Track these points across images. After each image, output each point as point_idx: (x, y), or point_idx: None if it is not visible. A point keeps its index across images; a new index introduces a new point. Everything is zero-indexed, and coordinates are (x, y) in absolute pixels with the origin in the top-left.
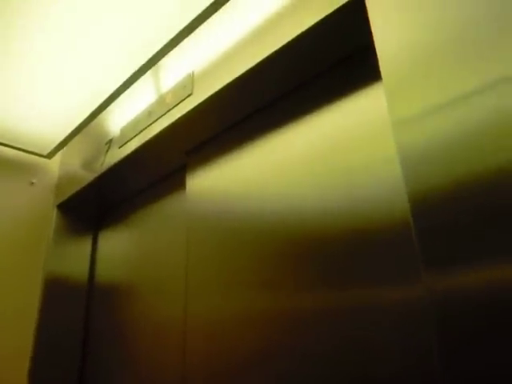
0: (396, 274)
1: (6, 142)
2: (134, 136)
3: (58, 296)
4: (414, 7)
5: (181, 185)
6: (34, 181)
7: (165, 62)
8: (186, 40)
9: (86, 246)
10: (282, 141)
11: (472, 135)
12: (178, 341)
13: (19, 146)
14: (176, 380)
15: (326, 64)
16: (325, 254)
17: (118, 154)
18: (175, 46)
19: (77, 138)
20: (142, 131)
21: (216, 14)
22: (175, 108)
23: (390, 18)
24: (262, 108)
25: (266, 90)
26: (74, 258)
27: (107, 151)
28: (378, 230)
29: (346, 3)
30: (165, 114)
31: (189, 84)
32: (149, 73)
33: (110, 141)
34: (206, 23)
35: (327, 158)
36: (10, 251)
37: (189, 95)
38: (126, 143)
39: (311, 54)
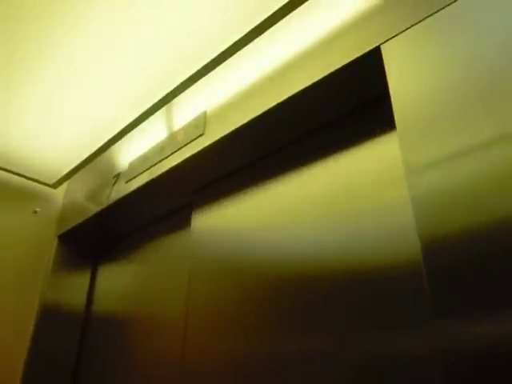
0: (403, 322)
1: (14, 169)
2: (143, 172)
3: (52, 326)
4: (429, 59)
5: (185, 223)
6: (37, 209)
7: (179, 99)
8: (201, 80)
9: (84, 277)
10: (291, 185)
11: (483, 184)
12: (174, 379)
13: (26, 174)
14: None
15: (338, 112)
16: (329, 300)
17: (124, 189)
18: (190, 86)
19: (84, 170)
20: (150, 167)
21: (232, 58)
22: (186, 147)
23: (405, 69)
24: (272, 153)
25: (276, 136)
26: (72, 290)
27: (114, 185)
28: (385, 278)
29: (364, 54)
30: (175, 152)
31: (201, 124)
32: (162, 109)
33: (118, 175)
34: (222, 65)
35: (335, 205)
36: (7, 278)
37: (200, 135)
38: (133, 178)
39: (325, 102)
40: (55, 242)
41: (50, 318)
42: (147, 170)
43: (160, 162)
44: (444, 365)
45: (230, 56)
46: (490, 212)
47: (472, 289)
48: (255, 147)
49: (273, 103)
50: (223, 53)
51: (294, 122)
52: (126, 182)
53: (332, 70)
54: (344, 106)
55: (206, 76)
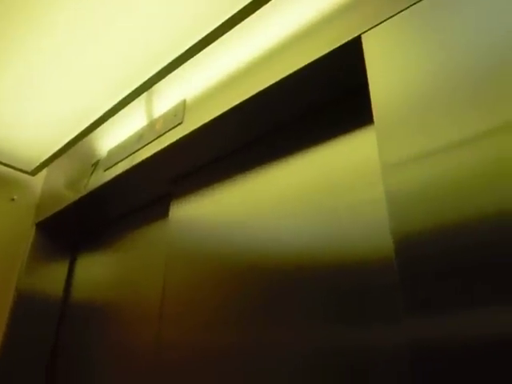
0: (376, 316)
1: None
2: (121, 160)
3: (29, 313)
4: (412, 53)
5: (163, 212)
6: (15, 197)
7: (158, 87)
8: (181, 67)
9: (62, 266)
10: (269, 176)
11: (458, 182)
12: (149, 367)
13: (3, 161)
14: None
15: (318, 102)
16: (301, 290)
17: (102, 177)
18: (169, 73)
19: (63, 157)
20: (129, 156)
21: (211, 45)
22: (165, 135)
23: (385, 60)
24: (251, 142)
25: (255, 125)
26: (49, 278)
27: (92, 173)
28: (362, 270)
29: (345, 43)
30: (154, 140)
31: (180, 112)
32: (141, 97)
33: (97, 163)
34: (202, 53)
35: (313, 196)
36: None
37: (179, 123)
38: (112, 166)
39: (305, 91)
40: (33, 229)
41: (27, 305)
42: (126, 158)
43: (139, 150)
44: (413, 360)
45: (210, 44)
46: (463, 209)
47: (443, 284)
48: (234, 137)
49: (252, 92)
50: (202, 40)
51: (273, 112)
52: (105, 171)
53: (312, 59)
54: (324, 96)
55: (186, 64)
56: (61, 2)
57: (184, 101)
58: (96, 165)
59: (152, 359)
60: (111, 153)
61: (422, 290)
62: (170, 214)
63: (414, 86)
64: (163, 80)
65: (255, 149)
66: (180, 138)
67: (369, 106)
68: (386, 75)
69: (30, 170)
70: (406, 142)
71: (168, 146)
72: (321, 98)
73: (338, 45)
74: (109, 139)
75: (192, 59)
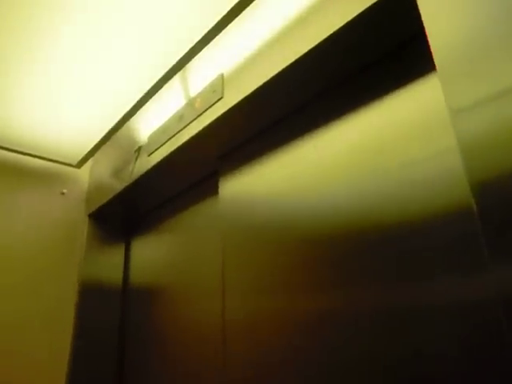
0: (458, 269)
1: (37, 153)
2: (164, 143)
3: (93, 301)
4: None
5: (213, 190)
6: (64, 191)
7: (192, 64)
8: (213, 41)
9: (119, 252)
10: (321, 141)
11: None
12: (217, 344)
13: (49, 157)
14: (215, 379)
15: (370, 57)
16: (368, 253)
17: (147, 162)
18: (203, 48)
19: (106, 147)
20: (171, 138)
21: (244, 13)
22: (205, 113)
23: (441, 5)
24: (298, 109)
25: (302, 90)
26: (108, 265)
27: (136, 159)
28: (433, 223)
29: None
30: (195, 119)
31: (219, 87)
32: (176, 77)
33: (139, 148)
34: (233, 23)
35: (373, 155)
36: (44, 260)
37: (219, 99)
38: (155, 151)
39: (354, 47)
40: (86, 220)
41: (90, 293)
42: (168, 140)
43: (180, 131)
44: (506, 309)
45: (241, 12)
46: None
47: None
48: (278, 106)
49: (295, 56)
50: (233, 9)
51: (319, 74)
52: (149, 156)
53: (360, 10)
54: (376, 49)
55: (218, 37)
56: None
57: (222, 75)
58: (139, 151)
59: (219, 335)
60: (153, 137)
61: (508, 234)
62: (220, 191)
63: (473, 28)
64: (197, 57)
65: (304, 114)
66: (222, 114)
67: (421, 56)
68: (442, 20)
69: (75, 163)
70: (472, 85)
71: (210, 123)
72: (372, 52)
73: None
74: (149, 124)
75: (224, 31)
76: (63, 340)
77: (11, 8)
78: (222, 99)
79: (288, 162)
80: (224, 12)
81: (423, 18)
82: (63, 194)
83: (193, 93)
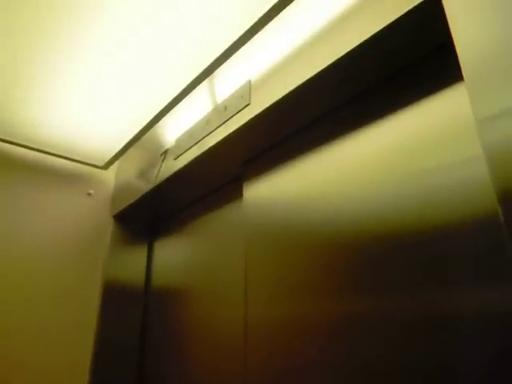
0: (478, 280)
1: (65, 155)
2: (190, 147)
3: (116, 301)
4: (495, 3)
5: (237, 194)
6: (91, 191)
7: (221, 71)
8: (242, 48)
9: (142, 253)
10: (346, 149)
11: None
12: (239, 344)
13: (77, 158)
14: (237, 383)
15: (397, 66)
16: (392, 259)
17: (173, 166)
18: (232, 54)
19: (132, 149)
20: (197, 142)
21: (273, 21)
22: (232, 118)
23: (469, 15)
24: (323, 116)
25: (328, 98)
26: (131, 266)
27: (162, 162)
28: (459, 231)
29: (422, 2)
30: (222, 124)
31: (246, 93)
32: (204, 83)
33: (166, 152)
34: (262, 31)
35: (397, 164)
36: (69, 258)
37: (247, 105)
38: (181, 154)
39: (382, 57)
40: (111, 221)
41: (114, 292)
42: (195, 144)
43: (207, 136)
44: None
45: (271, 19)
46: None
47: None
48: (304, 113)
49: (323, 64)
50: (263, 17)
51: (347, 81)
52: (175, 159)
53: (389, 21)
54: (404, 58)
55: (247, 44)
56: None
57: (249, 81)
58: (165, 154)
59: (241, 337)
60: (179, 141)
61: None
62: (244, 195)
63: (500, 38)
64: (225, 63)
65: (329, 121)
66: (249, 120)
67: (449, 65)
68: (470, 30)
69: (102, 165)
70: (498, 94)
71: (237, 129)
72: (399, 62)
73: (418, 2)
74: (176, 128)
75: (253, 39)
76: (86, 340)
77: (45, 10)
78: (249, 105)
79: (312, 168)
80: (254, 20)
81: (451, 28)
82: (89, 194)
83: (220, 98)
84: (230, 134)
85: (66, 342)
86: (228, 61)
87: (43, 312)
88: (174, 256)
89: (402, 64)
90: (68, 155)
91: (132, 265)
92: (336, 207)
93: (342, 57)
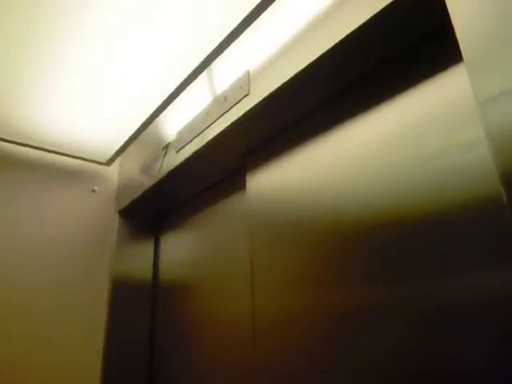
0: (487, 261)
1: (68, 152)
2: (191, 140)
3: (125, 296)
4: None
5: (240, 185)
6: (95, 188)
7: (219, 62)
8: (239, 38)
9: (148, 248)
10: (344, 135)
11: None
12: (247, 336)
13: (80, 155)
14: (245, 375)
15: (395, 49)
16: (394, 248)
17: (175, 159)
18: (229, 45)
19: (134, 144)
20: (199, 134)
21: (270, 8)
22: (232, 109)
23: None
24: (323, 104)
25: (327, 84)
26: (138, 260)
27: (164, 156)
28: (462, 215)
29: None
30: (222, 115)
31: (245, 84)
32: (203, 74)
33: (167, 145)
34: (258, 20)
35: (400, 147)
36: (76, 255)
37: (246, 95)
38: (183, 147)
39: (380, 40)
40: (116, 217)
41: (122, 287)
42: (196, 137)
43: (208, 127)
44: None
45: (267, 8)
46: None
47: None
48: (306, 100)
49: (320, 51)
50: (259, 6)
51: (346, 67)
52: (177, 152)
53: (387, 2)
54: (401, 42)
55: (243, 34)
56: None
57: (247, 72)
58: (167, 147)
59: (248, 327)
60: (180, 134)
61: None
62: (247, 185)
63: (499, 18)
64: (223, 54)
65: (329, 109)
66: (249, 110)
67: (448, 46)
68: (469, 10)
69: (105, 161)
70: (499, 75)
71: (238, 119)
72: (395, 47)
73: None
74: (176, 121)
75: (249, 28)
76: (96, 335)
77: (43, 12)
78: (248, 96)
79: (314, 157)
80: (250, 8)
81: (449, 9)
82: (94, 191)
83: (219, 90)
84: (230, 125)
85: (76, 341)
86: (226, 51)
87: (52, 311)
88: (180, 250)
89: (401, 47)
90: (70, 152)
91: (139, 260)
92: (339, 195)
93: (340, 41)
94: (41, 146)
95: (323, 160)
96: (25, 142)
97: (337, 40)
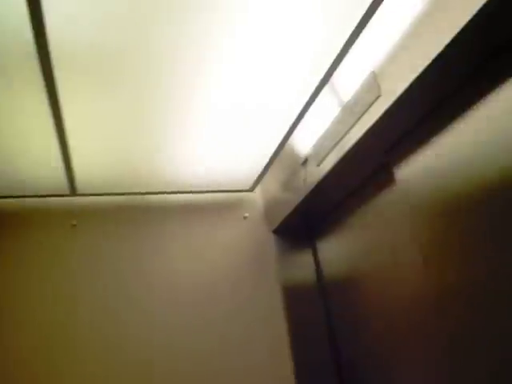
0: None
1: (215, 189)
2: (330, 150)
3: (297, 304)
4: None
5: (387, 179)
6: (246, 214)
7: (341, 68)
8: (357, 42)
9: (308, 258)
10: (486, 114)
11: None
12: (427, 317)
13: (225, 188)
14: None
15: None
16: None
17: (318, 172)
18: (347, 52)
19: (272, 167)
20: (337, 144)
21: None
22: (366, 114)
23: None
24: (456, 90)
25: (462, 64)
26: (301, 271)
27: (306, 171)
28: None
29: None
30: (357, 121)
31: (373, 85)
32: (329, 83)
33: (306, 161)
34: (374, 18)
35: None
36: (244, 273)
37: (378, 97)
38: (323, 159)
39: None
40: (272, 236)
41: (293, 298)
42: (335, 147)
43: (345, 135)
44: None
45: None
46: None
47: None
48: (437, 89)
49: (451, 34)
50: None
51: (479, 45)
52: (318, 165)
53: None
54: None
55: (361, 35)
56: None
57: (373, 72)
58: (306, 162)
59: (428, 309)
60: (317, 146)
61: None
62: (396, 177)
63: None
64: (345, 59)
65: (464, 92)
66: (386, 110)
67: None
68: None
69: (248, 188)
70: None
71: (375, 122)
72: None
73: None
74: (310, 135)
75: (367, 28)
76: (281, 334)
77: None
78: (381, 96)
79: (459, 139)
80: (365, 7)
81: None
82: (245, 217)
83: (348, 96)
84: (368, 129)
85: (265, 349)
86: (347, 57)
87: (239, 329)
88: (339, 252)
89: None
90: (218, 188)
91: (302, 269)
92: (489, 178)
93: (461, 30)
94: (191, 189)
95: (468, 141)
96: (176, 190)
97: (457, 29)
